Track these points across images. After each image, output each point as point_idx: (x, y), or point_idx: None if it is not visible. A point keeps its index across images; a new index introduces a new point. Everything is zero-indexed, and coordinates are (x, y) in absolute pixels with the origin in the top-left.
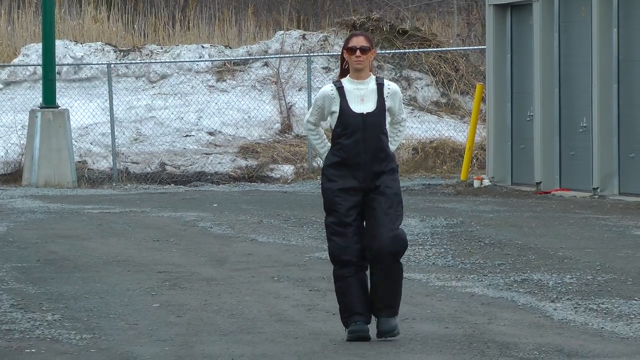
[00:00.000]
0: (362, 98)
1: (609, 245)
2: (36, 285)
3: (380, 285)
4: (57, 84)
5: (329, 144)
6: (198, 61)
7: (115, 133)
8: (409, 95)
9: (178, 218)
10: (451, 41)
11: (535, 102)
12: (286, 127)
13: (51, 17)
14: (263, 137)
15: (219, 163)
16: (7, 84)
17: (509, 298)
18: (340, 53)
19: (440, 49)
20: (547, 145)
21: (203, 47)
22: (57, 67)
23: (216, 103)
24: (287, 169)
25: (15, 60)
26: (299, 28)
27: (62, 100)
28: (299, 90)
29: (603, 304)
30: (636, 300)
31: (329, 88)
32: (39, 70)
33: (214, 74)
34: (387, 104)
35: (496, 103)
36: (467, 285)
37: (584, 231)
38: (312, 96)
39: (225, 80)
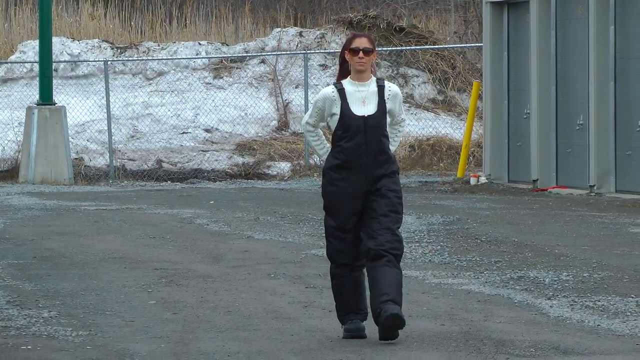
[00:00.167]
0: (363, 100)
1: (606, 242)
2: (32, 282)
3: (381, 280)
4: (54, 81)
5: (329, 146)
6: (195, 58)
7: (112, 130)
8: (406, 93)
9: (174, 215)
10: (448, 38)
11: (532, 100)
12: (283, 125)
13: (48, 14)
14: (260, 135)
15: (216, 160)
16: (4, 80)
17: (505, 295)
18: (337, 51)
19: (437, 46)
20: (543, 143)
21: (200, 44)
22: (54, 64)
23: (213, 100)
24: (284, 166)
25: (12, 57)
26: (296, 25)
27: (58, 97)
28: (296, 88)
29: (599, 301)
30: (632, 297)
31: (329, 90)
32: (36, 67)
33: (210, 71)
34: (388, 106)
35: (493, 100)
36: (464, 283)
37: (580, 229)
38: (309, 93)
39: (222, 78)
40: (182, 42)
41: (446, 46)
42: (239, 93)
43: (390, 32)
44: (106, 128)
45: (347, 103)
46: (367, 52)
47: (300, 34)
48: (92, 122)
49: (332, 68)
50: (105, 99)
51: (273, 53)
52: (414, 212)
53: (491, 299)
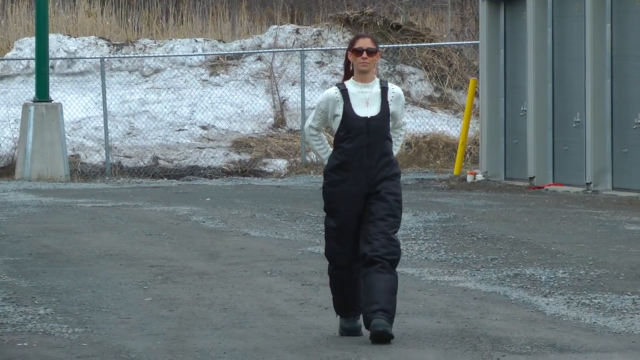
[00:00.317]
0: (366, 101)
1: (602, 240)
2: (28, 279)
3: (373, 288)
4: (51, 78)
5: (332, 149)
6: (191, 55)
7: (109, 127)
8: (403, 90)
9: (171, 212)
10: (445, 36)
11: (529, 97)
12: (279, 122)
13: (45, 11)
14: (256, 132)
15: (212, 157)
16: (0, 77)
17: (501, 293)
18: (333, 48)
19: (433, 43)
20: (540, 140)
21: (196, 41)
22: (50, 61)
23: (209, 97)
24: (280, 164)
25: (9, 54)
26: (292, 22)
27: (55, 94)
28: (293, 85)
29: (595, 298)
30: (628, 295)
31: (332, 91)
32: (32, 64)
33: (207, 68)
34: (391, 108)
35: (489, 98)
36: (460, 280)
37: (576, 226)
38: (306, 91)
39: (218, 75)
40: (179, 39)
41: (443, 43)
42: (236, 90)
43: (387, 29)
44: (102, 125)
45: (350, 104)
46: (371, 52)
47: (297, 31)
48: (89, 119)
49: (329, 65)
50: (101, 95)
51: (269, 50)
52: (410, 210)
53: (487, 297)
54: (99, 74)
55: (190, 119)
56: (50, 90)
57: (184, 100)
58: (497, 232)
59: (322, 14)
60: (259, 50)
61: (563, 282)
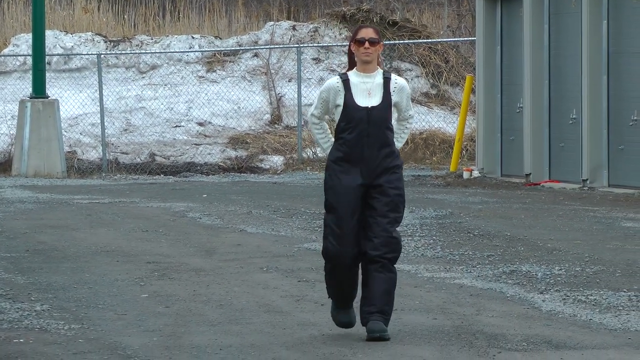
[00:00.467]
0: (368, 92)
1: (598, 236)
2: (25, 275)
3: (371, 289)
4: (47, 74)
5: (333, 140)
6: (188, 52)
7: (105, 123)
8: None
9: (167, 208)
10: (441, 32)
11: (525, 94)
12: (276, 118)
13: (41, 7)
14: (253, 128)
15: (209, 154)
16: None
17: (497, 289)
18: (330, 45)
19: (430, 40)
20: (536, 137)
21: (193, 37)
22: (47, 58)
23: (206, 94)
24: (277, 160)
25: (5, 51)
26: (289, 19)
27: (52, 91)
28: (289, 81)
29: (591, 295)
30: (624, 292)
31: (334, 80)
32: (29, 60)
33: (203, 64)
34: (394, 99)
35: (486, 94)
36: (456, 277)
37: (573, 223)
38: (302, 87)
39: (215, 71)
40: (175, 36)
41: (439, 40)
42: (232, 86)
43: (384, 26)
44: (99, 121)
45: (351, 94)
46: (373, 42)
47: (294, 28)
48: (85, 116)
49: (325, 62)
50: (98, 92)
51: (266, 47)
52: (406, 206)
53: (483, 293)
54: (96, 70)
55: (187, 115)
56: (47, 86)
57: (180, 97)
58: (493, 228)
59: (319, 11)
60: (256, 47)
61: (559, 278)
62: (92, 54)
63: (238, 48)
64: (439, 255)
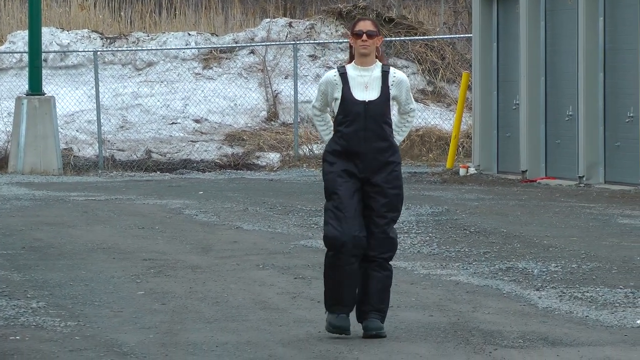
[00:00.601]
0: (366, 85)
1: (594, 233)
2: (21, 272)
3: (367, 287)
4: (44, 71)
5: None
6: (184, 48)
7: (101, 120)
8: None
9: (163, 205)
10: (438, 29)
11: (522, 91)
12: (272, 115)
13: (38, 4)
14: (249, 125)
15: (205, 151)
16: None
17: (493, 286)
18: (326, 42)
19: (426, 37)
20: (533, 134)
21: (189, 34)
22: (43, 55)
23: (202, 91)
24: (273, 157)
25: (2, 48)
26: (285, 16)
27: (48, 88)
28: (285, 78)
29: (588, 292)
30: (621, 288)
31: (332, 74)
32: (25, 57)
33: (200, 61)
34: (392, 92)
35: (482, 91)
36: (452, 274)
37: (569, 219)
38: (299, 84)
39: (211, 68)
40: (172, 33)
41: (436, 37)
42: (229, 83)
43: (380, 22)
44: (95, 118)
45: (349, 87)
46: (371, 35)
47: (290, 25)
48: (82, 113)
49: (322, 59)
50: (94, 89)
51: (262, 44)
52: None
53: (480, 290)
54: (92, 67)
55: (183, 112)
56: (43, 83)
57: (177, 94)
58: (489, 225)
59: (315, 7)
60: (252, 44)
61: (555, 275)
62: (88, 51)
63: (234, 45)
64: (435, 252)
